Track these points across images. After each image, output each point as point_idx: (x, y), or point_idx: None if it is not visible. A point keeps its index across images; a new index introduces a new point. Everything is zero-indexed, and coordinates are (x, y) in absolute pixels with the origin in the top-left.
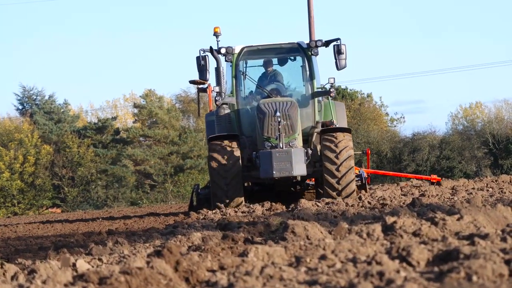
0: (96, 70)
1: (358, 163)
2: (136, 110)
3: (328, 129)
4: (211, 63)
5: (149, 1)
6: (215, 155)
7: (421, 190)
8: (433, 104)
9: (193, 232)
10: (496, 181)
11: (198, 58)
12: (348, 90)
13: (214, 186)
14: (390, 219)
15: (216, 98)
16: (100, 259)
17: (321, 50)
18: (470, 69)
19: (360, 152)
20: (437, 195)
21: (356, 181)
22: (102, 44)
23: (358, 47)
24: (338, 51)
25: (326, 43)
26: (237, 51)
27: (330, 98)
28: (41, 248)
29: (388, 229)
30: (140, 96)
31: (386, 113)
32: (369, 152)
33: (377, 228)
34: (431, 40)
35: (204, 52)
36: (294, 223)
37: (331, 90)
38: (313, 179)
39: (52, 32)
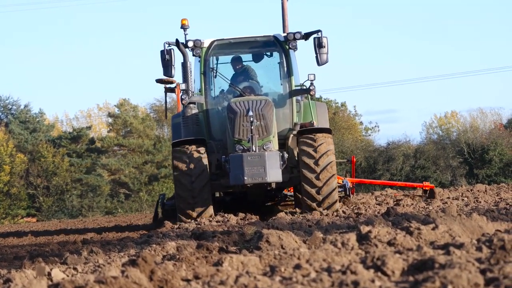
0: (71, 80)
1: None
2: (110, 120)
3: (306, 130)
4: (178, 58)
5: (122, 8)
6: (179, 163)
7: (396, 200)
8: (405, 113)
9: (168, 242)
10: (471, 190)
11: (162, 52)
12: (322, 100)
13: (179, 199)
14: (365, 229)
15: (183, 97)
16: (75, 268)
17: (300, 44)
18: (441, 78)
19: (345, 160)
20: (411, 204)
21: (339, 191)
22: (77, 53)
23: (330, 56)
24: (319, 45)
25: (306, 36)
26: (206, 44)
27: (310, 98)
28: (16, 257)
29: (363, 239)
30: (115, 106)
31: (361, 122)
32: (355, 160)
33: (352, 237)
34: (403, 49)
35: (169, 46)
36: (268, 232)
37: (311, 88)
38: (292, 189)
39: (27, 41)
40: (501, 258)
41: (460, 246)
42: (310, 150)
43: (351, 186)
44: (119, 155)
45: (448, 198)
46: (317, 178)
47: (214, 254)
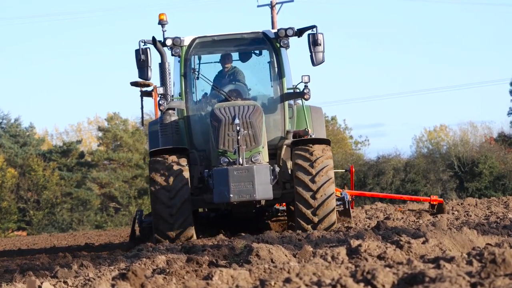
0: (61, 93)
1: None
2: (100, 134)
3: (302, 141)
4: (155, 58)
5: (113, 21)
6: (157, 176)
7: (386, 213)
8: (393, 127)
9: (158, 255)
10: (461, 204)
11: (137, 51)
12: None
13: (156, 217)
14: (355, 242)
15: (160, 102)
16: (65, 282)
17: (293, 41)
18: (429, 92)
19: (343, 171)
20: (402, 218)
21: (337, 206)
22: (66, 67)
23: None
24: (314, 42)
25: (299, 32)
26: (186, 43)
27: (304, 102)
28: (7, 271)
29: (353, 252)
30: (105, 119)
31: (351, 136)
32: (353, 170)
33: (342, 251)
34: (391, 63)
35: (144, 44)
36: (258, 246)
37: (305, 91)
38: (284, 203)
39: (16, 55)
40: (491, 272)
41: (450, 259)
42: (306, 164)
43: (350, 199)
44: (109, 169)
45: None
46: (313, 197)
47: (204, 268)
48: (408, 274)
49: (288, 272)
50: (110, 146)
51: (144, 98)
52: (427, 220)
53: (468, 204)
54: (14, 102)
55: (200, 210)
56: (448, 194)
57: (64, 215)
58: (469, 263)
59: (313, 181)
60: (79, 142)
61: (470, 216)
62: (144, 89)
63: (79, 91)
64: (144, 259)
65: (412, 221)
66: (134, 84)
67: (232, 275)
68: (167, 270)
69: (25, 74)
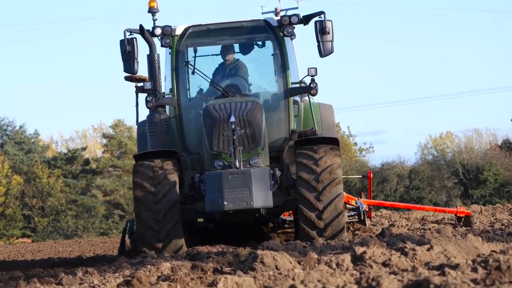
0: (66, 100)
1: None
2: (105, 141)
3: (305, 140)
4: (143, 50)
5: (117, 27)
6: (140, 180)
7: (391, 220)
8: (395, 134)
9: (162, 262)
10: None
11: (122, 41)
12: None
13: (141, 225)
14: (359, 249)
15: (148, 99)
16: None
17: (299, 29)
18: (431, 100)
19: (359, 176)
20: (406, 225)
21: (351, 216)
22: (72, 74)
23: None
24: (321, 30)
25: (305, 20)
26: (178, 32)
27: (312, 99)
28: (11, 278)
29: (357, 259)
30: (110, 126)
31: (355, 142)
32: (371, 176)
33: (347, 258)
34: (394, 71)
35: (131, 34)
36: (263, 253)
37: (312, 85)
38: (292, 212)
39: (22, 62)
40: (496, 279)
41: (455, 267)
42: (310, 163)
43: (367, 209)
44: (114, 176)
45: (443, 218)
46: (318, 198)
47: (208, 275)
48: (413, 281)
49: (293, 279)
50: (115, 153)
51: (140, 94)
52: (432, 227)
53: (473, 211)
54: (19, 109)
55: (201, 220)
56: (452, 201)
57: (69, 222)
58: (474, 270)
59: (317, 180)
60: (84, 149)
61: (475, 223)
62: (139, 84)
63: (84, 98)
64: (149, 266)
65: (416, 228)
66: (128, 78)
67: (237, 282)
68: (172, 277)
69: (30, 81)
